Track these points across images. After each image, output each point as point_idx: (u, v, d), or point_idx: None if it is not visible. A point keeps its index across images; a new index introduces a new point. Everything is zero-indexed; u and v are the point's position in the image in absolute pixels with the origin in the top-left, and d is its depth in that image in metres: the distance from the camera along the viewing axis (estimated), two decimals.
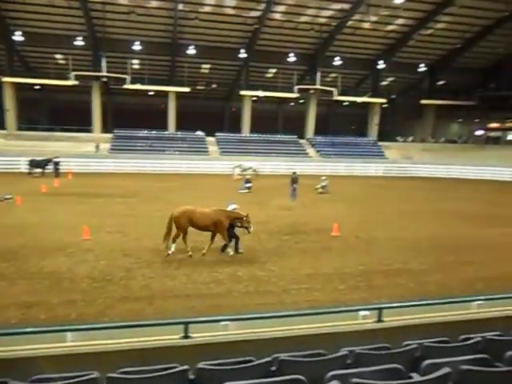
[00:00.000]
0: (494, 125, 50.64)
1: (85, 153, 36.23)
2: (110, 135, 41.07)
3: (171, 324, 4.17)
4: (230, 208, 11.35)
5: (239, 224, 11.02)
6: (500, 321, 4.73)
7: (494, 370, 2.94)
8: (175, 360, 3.47)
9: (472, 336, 3.79)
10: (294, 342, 4.05)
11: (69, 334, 4.04)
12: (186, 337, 4.06)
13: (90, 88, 40.53)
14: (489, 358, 3.13)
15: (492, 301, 5.15)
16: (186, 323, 4.07)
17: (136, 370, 3.26)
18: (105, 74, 38.14)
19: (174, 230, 10.67)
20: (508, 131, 50.64)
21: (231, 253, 10.84)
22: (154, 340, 3.98)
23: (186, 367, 3.16)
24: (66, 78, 38.14)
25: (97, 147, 36.78)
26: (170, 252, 10.58)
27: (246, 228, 11.02)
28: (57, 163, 29.59)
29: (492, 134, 50.30)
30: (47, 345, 3.83)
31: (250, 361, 3.28)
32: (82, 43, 38.03)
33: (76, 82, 37.64)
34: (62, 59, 41.85)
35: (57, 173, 28.95)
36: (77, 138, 39.19)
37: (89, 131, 41.80)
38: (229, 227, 10.92)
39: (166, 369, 3.16)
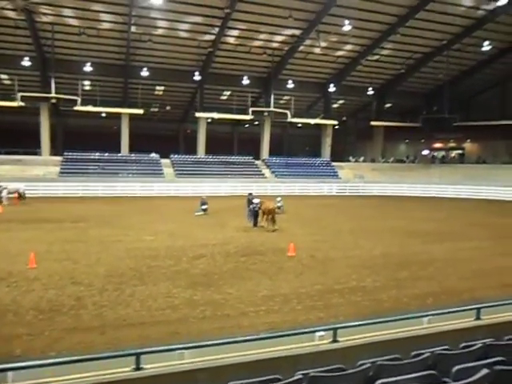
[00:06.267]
0: (437, 145, 53.79)
1: (32, 176, 34.64)
2: (59, 158, 39.61)
3: (121, 356, 3.97)
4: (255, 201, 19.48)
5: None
6: (448, 334, 4.89)
7: None
8: None
9: (422, 352, 3.89)
10: (250, 368, 3.97)
11: (10, 373, 3.74)
12: (138, 368, 3.88)
13: (38, 109, 39.09)
14: (437, 374, 3.21)
15: (441, 315, 5.30)
16: (138, 354, 3.90)
17: None
18: (53, 95, 36.85)
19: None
20: (451, 150, 53.88)
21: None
22: (103, 374, 3.77)
23: None
24: (12, 99, 36.57)
25: None
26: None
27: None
28: None
29: (437, 153, 53.32)
30: None
31: None
32: (29, 63, 36.78)
33: (22, 104, 36.09)
34: (8, 79, 40.27)
35: None
36: (23, 162, 37.42)
37: (37, 154, 40.13)
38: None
39: None
